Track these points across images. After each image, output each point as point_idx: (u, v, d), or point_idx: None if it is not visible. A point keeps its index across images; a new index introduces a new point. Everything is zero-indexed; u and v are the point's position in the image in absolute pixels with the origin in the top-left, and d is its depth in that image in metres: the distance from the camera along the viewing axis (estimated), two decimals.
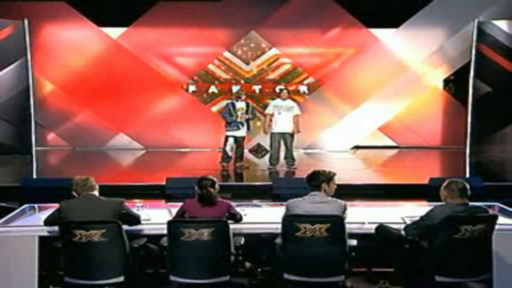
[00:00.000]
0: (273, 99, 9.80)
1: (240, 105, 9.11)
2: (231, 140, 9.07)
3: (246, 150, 11.86)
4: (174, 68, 12.22)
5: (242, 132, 9.15)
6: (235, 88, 12.08)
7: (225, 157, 9.16)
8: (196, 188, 4.50)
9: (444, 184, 4.27)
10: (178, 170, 9.39)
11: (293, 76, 12.32)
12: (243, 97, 9.26)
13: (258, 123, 11.36)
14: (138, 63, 12.06)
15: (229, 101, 9.33)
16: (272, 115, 9.14)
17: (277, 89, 12.01)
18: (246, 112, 9.11)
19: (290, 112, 9.10)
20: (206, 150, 11.53)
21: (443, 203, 4.24)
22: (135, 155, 11.64)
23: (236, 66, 12.31)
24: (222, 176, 8.60)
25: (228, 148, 9.13)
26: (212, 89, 12.31)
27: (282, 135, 9.14)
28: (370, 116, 12.20)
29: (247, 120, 9.16)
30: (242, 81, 12.33)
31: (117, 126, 12.25)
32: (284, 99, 9.15)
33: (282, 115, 9.07)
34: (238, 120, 9.05)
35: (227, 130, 9.12)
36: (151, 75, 12.08)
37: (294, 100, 9.61)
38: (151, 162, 10.87)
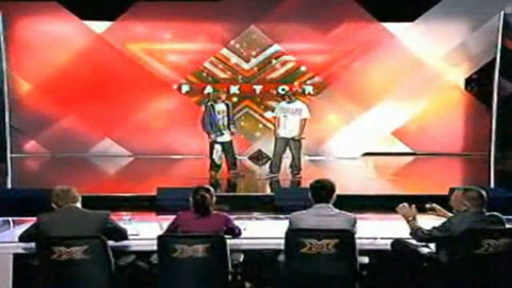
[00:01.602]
0: (279, 101, 9.86)
1: (220, 107, 9.04)
2: (217, 147, 9.04)
3: (245, 157, 12.00)
4: (166, 67, 12.24)
5: (226, 137, 9.10)
6: (236, 88, 12.09)
7: (214, 165, 9.13)
8: (191, 198, 4.49)
9: (458, 192, 4.26)
10: (170, 180, 9.40)
11: (298, 75, 12.34)
12: (223, 97, 9.17)
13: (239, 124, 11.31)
14: (126, 60, 12.07)
15: (207, 103, 9.31)
16: (278, 118, 9.20)
17: (279, 90, 12.07)
18: (227, 115, 9.08)
19: (297, 115, 9.13)
20: (201, 157, 11.42)
21: (457, 213, 4.23)
22: (122, 162, 11.64)
23: (234, 64, 12.32)
24: (213, 186, 8.49)
25: (216, 156, 9.10)
26: (208, 89, 12.28)
27: (287, 140, 9.15)
28: (383, 119, 12.22)
29: (228, 125, 9.13)
30: (241, 81, 12.37)
31: (102, 130, 12.26)
32: (289, 102, 9.17)
33: (288, 119, 9.10)
34: (219, 124, 9.03)
35: (209, 136, 9.06)
36: (140, 74, 12.09)
37: (302, 101, 9.59)
38: (140, 170, 10.86)
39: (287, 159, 9.48)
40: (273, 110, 9.94)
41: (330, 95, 12.28)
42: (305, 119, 9.14)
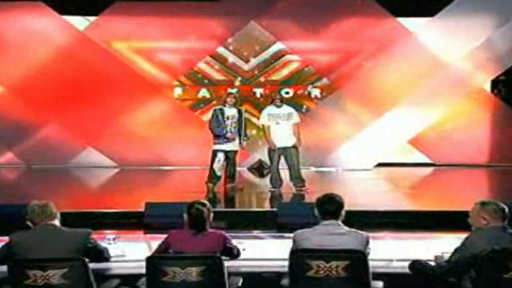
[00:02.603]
0: (265, 107, 9.61)
1: (230, 112, 9.04)
2: (220, 155, 9.00)
3: (244, 168, 11.99)
4: (156, 67, 12.28)
5: (233, 146, 9.07)
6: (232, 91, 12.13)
7: (213, 176, 9.07)
8: (185, 214, 4.47)
9: (475, 206, 4.24)
10: (161, 194, 9.37)
11: (303, 76, 12.37)
12: (233, 101, 9.17)
13: (254, 131, 11.38)
14: (111, 60, 12.10)
15: (216, 107, 9.30)
16: (268, 126, 9.08)
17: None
18: (239, 121, 9.05)
19: (289, 120, 9.09)
20: (195, 168, 11.49)
21: (476, 230, 4.22)
22: (106, 174, 11.63)
23: (232, 65, 12.37)
24: (209, 200, 8.51)
25: (216, 166, 9.07)
26: (203, 92, 12.35)
27: (283, 150, 9.10)
28: (398, 126, 12.22)
29: (239, 133, 9.11)
30: (239, 83, 12.40)
31: (84, 138, 12.29)
32: (279, 106, 9.12)
33: (280, 125, 9.04)
34: (228, 130, 9.00)
35: (215, 143, 9.03)
36: (127, 76, 12.12)
37: (290, 105, 9.54)
38: (126, 183, 10.85)
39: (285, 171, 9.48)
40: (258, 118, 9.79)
41: (339, 99, 12.30)
42: (297, 124, 9.11)
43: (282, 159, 9.14)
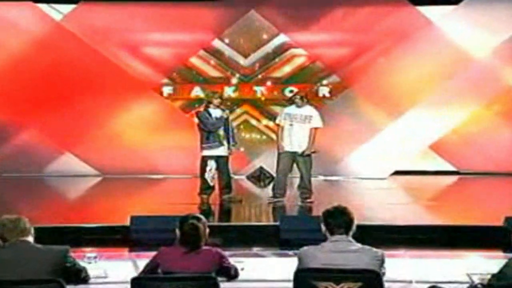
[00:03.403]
0: (285, 105, 9.80)
1: (217, 113, 9.08)
2: (211, 163, 9.02)
3: (243, 177, 11.99)
4: (143, 63, 12.29)
5: (223, 151, 9.10)
6: (227, 90, 12.12)
7: (205, 187, 9.11)
8: (177, 230, 4.47)
9: None
10: (148, 206, 9.34)
11: (310, 73, 12.35)
12: (216, 101, 9.15)
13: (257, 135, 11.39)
14: (91, 55, 12.09)
15: (200, 110, 9.22)
16: (282, 126, 9.16)
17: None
18: (225, 126, 9.05)
19: (306, 123, 9.12)
20: (188, 177, 11.49)
21: None
22: (86, 184, 11.63)
23: (229, 60, 12.36)
24: (202, 213, 8.57)
25: (208, 175, 9.07)
26: (196, 91, 12.33)
27: (294, 155, 9.14)
28: (418, 129, 12.23)
29: (228, 137, 9.10)
30: (236, 80, 12.39)
31: (62, 143, 12.28)
32: (299, 106, 9.18)
33: (294, 128, 9.09)
34: (219, 133, 9.01)
35: (204, 149, 9.06)
36: (111, 73, 12.13)
37: (314, 106, 9.59)
38: (109, 193, 10.85)
39: (294, 178, 9.44)
40: (274, 117, 9.87)
41: (351, 99, 12.30)
42: (315, 129, 9.14)
43: (295, 167, 9.20)
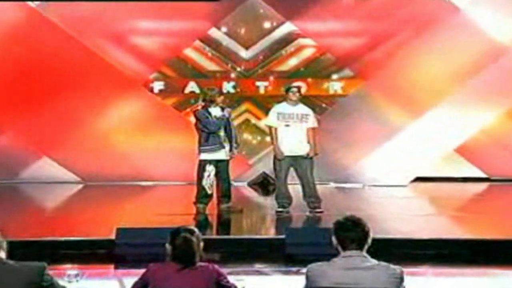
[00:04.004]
0: (278, 102, 9.66)
1: (217, 112, 9.09)
2: (210, 168, 8.99)
3: (244, 184, 11.97)
4: (131, 55, 12.28)
5: (224, 154, 9.10)
6: (230, 85, 12.02)
7: (203, 195, 9.07)
8: (168, 245, 4.38)
9: None
10: (136, 217, 9.34)
11: (320, 66, 12.33)
12: (219, 100, 9.18)
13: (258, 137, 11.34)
14: (73, 47, 12.07)
15: (199, 109, 9.27)
16: (275, 128, 9.07)
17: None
18: (224, 124, 9.06)
19: (303, 123, 9.06)
20: (181, 184, 11.50)
21: None
22: (67, 192, 11.62)
23: (228, 52, 12.35)
24: (198, 225, 8.51)
25: (206, 182, 9.04)
26: (191, 87, 12.31)
27: (293, 160, 9.07)
28: (442, 129, 12.19)
29: (230, 138, 9.11)
30: (235, 75, 12.36)
31: (38, 146, 12.27)
32: (294, 104, 9.10)
33: (291, 129, 9.02)
34: (220, 134, 8.99)
35: (203, 152, 9.03)
36: (95, 66, 12.10)
37: (307, 104, 9.50)
38: (92, 203, 10.75)
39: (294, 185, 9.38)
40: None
41: (366, 96, 12.27)
42: (313, 129, 9.10)
43: (294, 172, 9.13)
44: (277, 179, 9.25)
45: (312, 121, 9.11)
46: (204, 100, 9.22)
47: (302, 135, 9.02)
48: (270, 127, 9.19)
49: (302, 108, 9.13)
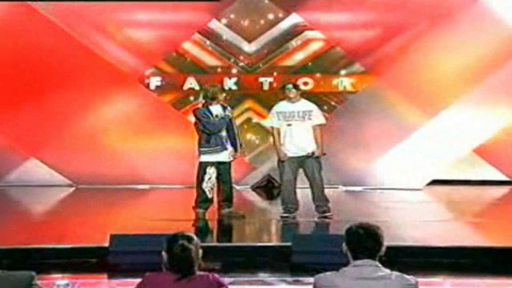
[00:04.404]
0: (277, 101, 9.62)
1: (218, 110, 9.13)
2: (210, 171, 9.02)
3: (248, 187, 12.00)
4: (126, 49, 12.31)
5: (226, 156, 9.12)
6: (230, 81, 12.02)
7: (203, 199, 9.09)
8: (164, 253, 4.39)
9: None
10: (131, 223, 9.31)
11: (328, 61, 12.33)
12: (221, 97, 9.23)
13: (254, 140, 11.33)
14: (64, 40, 12.08)
15: (199, 107, 9.28)
16: (277, 129, 9.10)
17: (300, 86, 12.04)
18: (228, 125, 9.07)
19: (306, 120, 9.07)
20: (179, 187, 11.53)
21: None
22: (56, 196, 11.64)
23: (230, 45, 12.37)
24: (198, 231, 8.60)
25: (207, 185, 9.04)
26: (190, 83, 12.33)
27: (298, 161, 9.08)
28: (460, 129, 12.22)
29: (233, 139, 9.13)
30: (237, 70, 12.37)
31: (26, 146, 12.29)
32: (293, 101, 9.11)
33: (294, 128, 9.05)
34: (222, 134, 9.02)
35: (203, 153, 9.07)
36: (86, 61, 12.12)
37: (309, 99, 9.49)
38: (84, 207, 10.75)
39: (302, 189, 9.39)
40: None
41: (377, 93, 12.27)
42: (319, 126, 9.10)
43: (303, 175, 9.16)
44: (282, 182, 9.27)
45: (317, 117, 9.11)
46: (205, 97, 9.22)
47: (307, 133, 9.04)
48: (272, 128, 9.23)
49: (303, 105, 9.14)
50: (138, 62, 12.37)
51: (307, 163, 9.07)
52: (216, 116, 9.02)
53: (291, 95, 9.08)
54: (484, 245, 8.16)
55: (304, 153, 9.03)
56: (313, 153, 9.02)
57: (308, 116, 9.05)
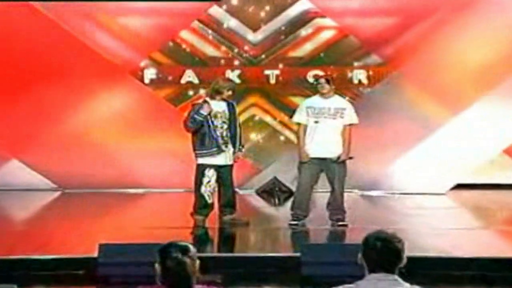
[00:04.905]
0: (308, 96, 9.71)
1: (219, 107, 9.15)
2: (210, 173, 9.04)
3: (252, 192, 12.00)
4: (117, 39, 12.33)
5: (226, 158, 9.14)
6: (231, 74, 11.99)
7: (202, 205, 9.12)
8: (157, 265, 4.33)
9: None
10: (122, 231, 9.34)
11: (341, 52, 12.34)
12: (226, 94, 9.16)
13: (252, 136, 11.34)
14: (49, 30, 12.08)
15: (198, 102, 9.30)
16: (304, 125, 9.13)
17: (309, 78, 12.04)
18: (229, 122, 9.11)
19: (338, 118, 9.07)
20: (176, 191, 11.54)
21: None
22: (40, 201, 11.67)
23: (233, 34, 12.38)
24: (199, 241, 8.62)
25: (206, 189, 9.05)
26: (188, 76, 12.34)
27: (322, 163, 9.08)
28: (487, 127, 12.17)
29: (234, 139, 9.15)
30: (240, 62, 12.38)
31: (7, 147, 12.31)
32: (326, 96, 9.12)
33: (321, 126, 9.06)
34: (219, 135, 9.03)
35: (201, 155, 9.09)
36: (74, 52, 12.12)
37: (342, 95, 9.57)
38: (70, 214, 10.74)
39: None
40: (293, 112, 9.74)
41: (396, 87, 12.28)
42: (350, 126, 9.10)
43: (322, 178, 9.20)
44: (298, 185, 9.29)
45: (349, 117, 9.13)
46: (214, 91, 9.13)
47: (335, 133, 9.07)
48: (298, 125, 9.26)
49: (337, 101, 9.18)
50: (131, 53, 12.37)
51: (331, 168, 9.08)
52: (216, 115, 9.01)
53: (324, 91, 9.10)
54: None
55: (329, 156, 9.03)
56: (338, 157, 9.02)
57: (340, 114, 9.07)
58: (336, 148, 9.05)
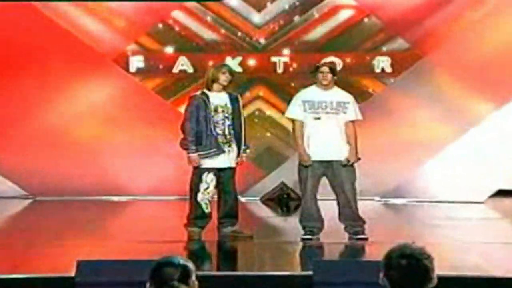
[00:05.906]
0: (305, 87, 9.67)
1: (220, 100, 9.18)
2: (208, 178, 9.10)
3: (257, 199, 12.08)
4: (99, 21, 12.39)
5: (228, 160, 9.19)
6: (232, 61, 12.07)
7: (198, 214, 9.19)
8: (148, 284, 4.39)
9: None
10: (104, 245, 9.41)
11: (361, 35, 12.40)
12: (228, 80, 9.13)
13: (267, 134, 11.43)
14: (22, 11, 12.18)
15: (197, 93, 9.31)
16: (301, 123, 9.14)
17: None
18: (232, 117, 9.14)
19: (340, 113, 9.11)
20: (168, 199, 11.64)
21: None
22: (9, 210, 11.76)
23: (234, 16, 12.45)
24: (194, 256, 8.53)
25: (203, 197, 9.10)
26: (182, 64, 12.41)
27: (326, 167, 9.10)
28: None
29: (238, 138, 9.19)
30: (243, 48, 12.45)
31: None
32: (326, 88, 9.14)
33: (323, 123, 9.10)
34: (219, 133, 9.07)
35: (198, 157, 9.13)
36: (50, 37, 12.22)
37: (344, 89, 9.51)
38: (44, 225, 10.80)
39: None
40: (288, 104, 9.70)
41: (425, 76, 12.32)
42: (352, 123, 9.14)
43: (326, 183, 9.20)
44: (303, 193, 9.28)
45: (352, 112, 9.14)
46: (209, 80, 9.14)
47: (339, 131, 9.08)
48: (293, 121, 9.24)
49: (338, 94, 9.19)
50: (114, 36, 12.45)
51: (335, 172, 9.07)
52: (216, 109, 9.03)
53: (326, 82, 9.07)
54: None
55: (334, 158, 9.05)
56: (348, 160, 9.04)
57: (343, 109, 9.08)
58: (342, 150, 9.07)
